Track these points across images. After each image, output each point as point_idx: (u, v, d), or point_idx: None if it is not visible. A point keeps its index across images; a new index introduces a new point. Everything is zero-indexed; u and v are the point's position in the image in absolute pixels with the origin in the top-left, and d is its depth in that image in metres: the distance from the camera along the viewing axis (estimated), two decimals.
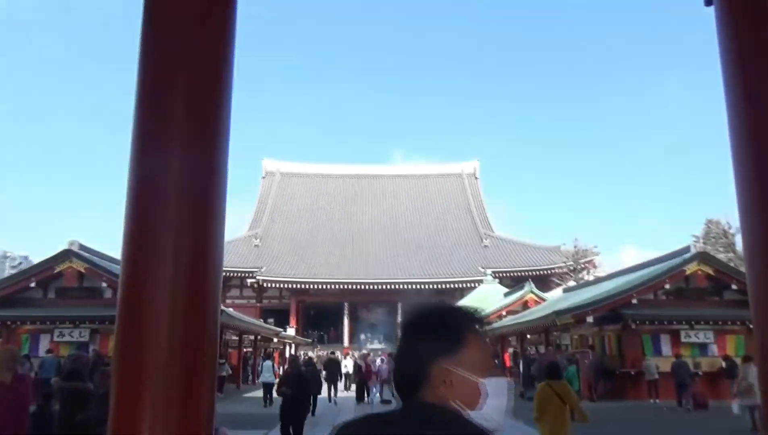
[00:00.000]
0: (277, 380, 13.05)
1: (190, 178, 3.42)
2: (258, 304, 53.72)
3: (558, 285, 46.80)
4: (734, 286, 21.66)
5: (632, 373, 21.37)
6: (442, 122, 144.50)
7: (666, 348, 21.49)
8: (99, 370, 7.69)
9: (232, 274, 52.43)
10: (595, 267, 44.23)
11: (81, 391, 7.29)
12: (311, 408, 19.01)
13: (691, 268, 21.58)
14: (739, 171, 3.76)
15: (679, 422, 16.99)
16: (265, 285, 51.02)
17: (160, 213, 3.38)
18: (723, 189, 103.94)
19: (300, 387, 11.35)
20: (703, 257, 22.06)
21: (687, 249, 22.53)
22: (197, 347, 3.37)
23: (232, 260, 53.21)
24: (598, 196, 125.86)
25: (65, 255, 21.29)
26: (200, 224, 3.52)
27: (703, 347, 21.59)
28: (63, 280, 21.64)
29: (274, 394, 21.26)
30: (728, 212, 45.56)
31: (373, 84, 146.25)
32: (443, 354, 1.41)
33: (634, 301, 21.52)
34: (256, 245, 55.99)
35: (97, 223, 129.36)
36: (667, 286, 21.87)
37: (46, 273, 21.38)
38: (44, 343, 21.35)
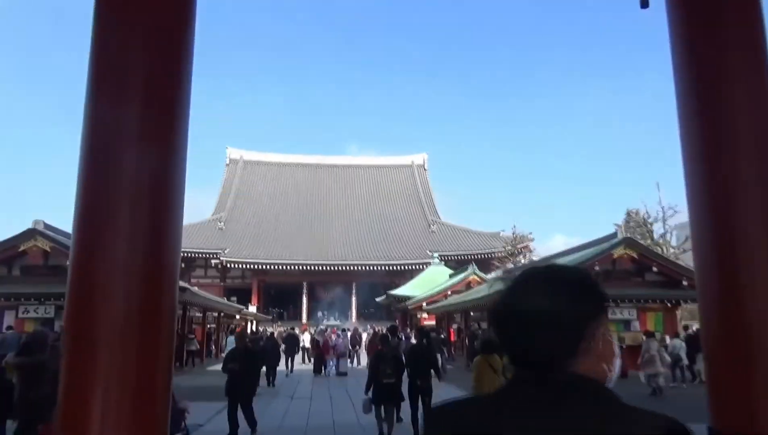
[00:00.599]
0: (223, 357, 11.75)
1: (146, 158, 3.03)
2: (222, 284, 52.74)
3: (498, 268, 47.23)
4: (655, 269, 22.08)
5: None
6: (394, 117, 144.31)
7: None
8: (50, 345, 7.04)
9: (197, 255, 51.22)
10: (530, 252, 44.77)
11: (35, 367, 6.67)
12: (271, 380, 18.53)
13: (617, 252, 21.85)
14: (689, 168, 3.54)
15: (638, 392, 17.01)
16: (228, 266, 50.07)
17: (114, 189, 2.97)
18: (642, 182, 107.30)
19: (246, 362, 9.87)
20: (628, 242, 22.36)
21: (614, 235, 22.82)
22: (153, 323, 2.97)
23: (197, 242, 51.94)
24: (532, 189, 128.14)
25: (30, 234, 20.03)
26: (157, 202, 3.11)
27: (626, 323, 21.93)
28: (28, 258, 20.37)
29: None
30: (647, 203, 47.03)
31: (330, 78, 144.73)
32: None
33: None
34: (220, 228, 54.77)
35: (62, 201, 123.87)
36: (597, 268, 22.06)
37: (10, 252, 20.06)
38: (9, 320, 20.14)
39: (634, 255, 22.04)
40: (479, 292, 29.04)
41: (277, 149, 70.95)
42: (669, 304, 22.18)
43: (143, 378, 2.79)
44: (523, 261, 43.78)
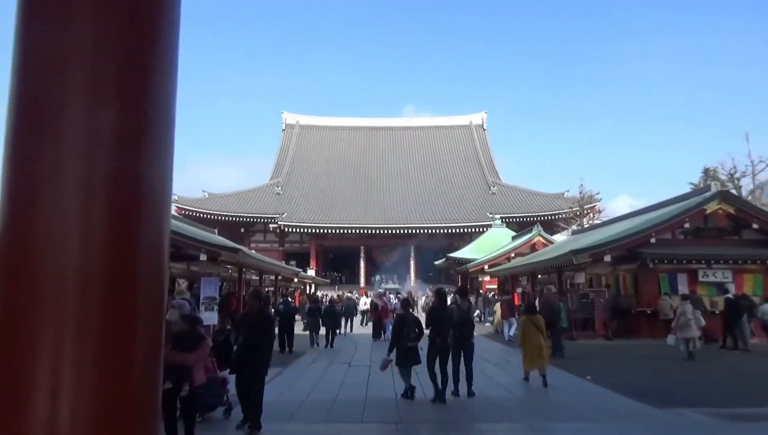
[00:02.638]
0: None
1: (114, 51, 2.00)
2: (281, 248, 52.51)
3: (563, 229, 44.63)
4: (755, 225, 19.32)
5: (648, 312, 19.30)
6: (451, 77, 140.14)
7: (683, 287, 19.30)
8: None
9: (255, 220, 51.10)
10: (599, 212, 41.80)
11: None
12: (288, 347, 16.86)
13: (711, 207, 19.18)
14: None
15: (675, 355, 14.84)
16: (286, 230, 49.57)
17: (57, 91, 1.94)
18: (718, 140, 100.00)
19: (256, 332, 7.02)
20: (724, 196, 19.60)
21: (707, 187, 20.11)
22: (122, 271, 1.93)
23: (255, 207, 51.77)
24: (596, 150, 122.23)
25: None
26: (133, 87, 2.03)
27: (720, 286, 19.39)
28: None
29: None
30: (723, 161, 42.92)
31: (385, 39, 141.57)
32: None
33: (653, 240, 19.26)
34: (277, 193, 54.23)
35: None
36: (687, 225, 19.55)
37: None
38: None
39: (731, 210, 19.34)
40: (551, 252, 26.88)
41: (333, 113, 69.52)
42: None
43: (107, 344, 1.88)
44: (590, 221, 40.96)
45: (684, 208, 19.66)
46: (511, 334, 20.38)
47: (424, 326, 9.63)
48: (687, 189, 36.02)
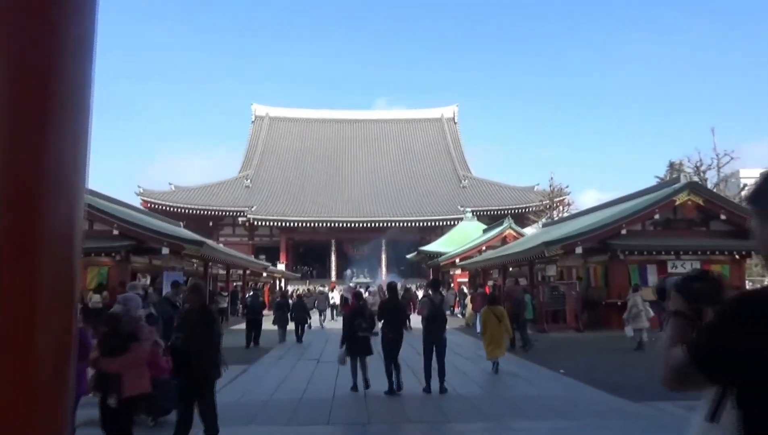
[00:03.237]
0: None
1: None
2: (250, 242, 51.41)
3: (533, 222, 44.76)
4: (723, 216, 19.40)
5: (618, 303, 19.21)
6: (422, 70, 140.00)
7: (652, 278, 19.25)
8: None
9: (224, 213, 49.91)
10: (568, 205, 41.99)
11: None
12: (255, 341, 16.36)
13: (681, 198, 19.17)
14: None
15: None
16: (256, 223, 48.50)
17: None
18: (685, 133, 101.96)
19: (198, 331, 5.69)
20: (693, 187, 19.62)
21: (676, 179, 20.12)
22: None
23: (223, 200, 50.58)
24: (565, 143, 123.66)
25: None
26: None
27: None
28: None
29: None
30: (690, 155, 43.57)
31: (357, 31, 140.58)
32: None
33: (623, 231, 19.18)
34: (247, 186, 53.09)
35: None
36: (657, 217, 19.52)
37: None
38: None
39: (700, 201, 19.36)
40: (522, 244, 26.73)
41: (303, 106, 68.43)
42: (737, 256, 19.53)
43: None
44: (560, 214, 41.10)
45: (654, 199, 19.63)
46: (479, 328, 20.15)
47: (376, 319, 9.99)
48: (654, 182, 36.42)
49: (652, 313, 15.25)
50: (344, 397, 9.08)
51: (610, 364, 12.73)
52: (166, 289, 19.01)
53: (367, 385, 9.41)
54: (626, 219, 19.20)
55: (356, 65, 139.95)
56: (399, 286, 27.22)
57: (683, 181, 19.71)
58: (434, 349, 9.41)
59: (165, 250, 18.45)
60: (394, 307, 9.92)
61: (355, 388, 9.39)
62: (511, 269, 26.74)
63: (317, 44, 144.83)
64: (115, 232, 18.26)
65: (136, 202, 42.65)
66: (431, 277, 45.10)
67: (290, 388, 10.17)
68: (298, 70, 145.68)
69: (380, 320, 9.76)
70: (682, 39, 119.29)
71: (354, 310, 10.03)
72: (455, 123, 64.97)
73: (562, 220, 31.61)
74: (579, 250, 18.83)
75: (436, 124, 65.12)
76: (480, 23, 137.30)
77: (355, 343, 9.44)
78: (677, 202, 19.25)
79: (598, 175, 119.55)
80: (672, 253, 19.17)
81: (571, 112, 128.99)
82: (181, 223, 30.32)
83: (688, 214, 19.48)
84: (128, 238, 18.30)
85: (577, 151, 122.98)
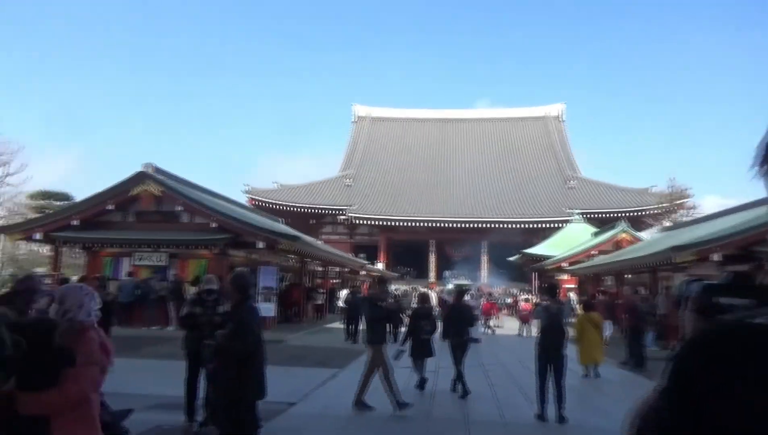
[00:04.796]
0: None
1: None
2: (349, 240, 51.33)
3: (650, 226, 40.74)
4: None
5: None
6: (526, 69, 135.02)
7: None
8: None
9: (325, 211, 50.13)
10: (692, 208, 37.65)
11: None
12: (353, 338, 16.65)
13: None
14: None
15: None
16: (355, 222, 48.23)
17: None
18: None
19: (236, 335, 4.63)
20: None
21: None
22: None
23: (325, 199, 50.82)
24: (683, 143, 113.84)
25: (140, 178, 18.47)
26: None
27: None
28: (140, 203, 18.91)
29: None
30: None
31: (458, 29, 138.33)
32: None
33: None
34: (347, 185, 53.11)
35: (167, 147, 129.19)
36: None
37: (121, 196, 18.67)
38: (125, 267, 18.98)
39: None
40: (637, 250, 23.88)
41: (404, 106, 67.65)
42: None
43: None
44: (681, 219, 36.96)
45: None
46: (607, 336, 17.86)
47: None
48: None
49: None
50: (441, 418, 7.65)
51: None
52: (262, 284, 18.62)
53: (422, 387, 9.58)
54: None
55: (457, 65, 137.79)
56: (482, 290, 25.48)
57: None
58: (550, 368, 7.73)
59: (261, 244, 17.97)
60: (460, 312, 9.95)
61: (421, 386, 9.60)
62: (628, 276, 23.96)
63: (418, 44, 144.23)
64: (213, 225, 18.04)
65: (244, 200, 43.72)
66: (536, 281, 42.52)
67: (381, 400, 8.88)
68: (399, 71, 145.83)
69: (445, 324, 9.89)
70: None
71: (417, 313, 10.11)
72: (561, 121, 61.32)
73: (687, 223, 28.05)
74: (716, 256, 16.07)
75: (540, 122, 61.84)
76: (587, 18, 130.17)
77: (417, 345, 9.49)
78: None
79: (721, 180, 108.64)
80: None
81: (689, 111, 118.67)
82: (281, 220, 30.25)
83: None
84: (226, 232, 18.01)
85: (696, 153, 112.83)
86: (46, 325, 2.84)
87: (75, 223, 18.59)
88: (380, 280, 8.94)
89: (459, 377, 9.27)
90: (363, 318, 17.15)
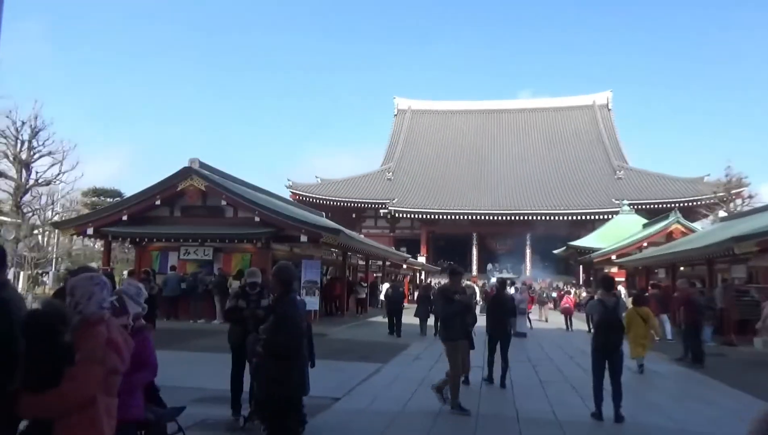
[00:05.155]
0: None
1: None
2: (391, 234, 51.29)
3: (704, 217, 39.07)
4: None
5: None
6: (570, 57, 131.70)
7: None
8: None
9: (366, 205, 50.18)
10: (750, 197, 35.86)
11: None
12: (397, 331, 16.95)
13: None
14: None
15: None
16: (397, 215, 48.09)
17: None
18: None
19: (279, 329, 4.54)
20: None
21: None
22: None
23: (366, 192, 50.85)
24: (735, 132, 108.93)
25: (186, 172, 18.71)
26: None
27: None
28: (186, 198, 19.18)
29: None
30: None
31: (498, 19, 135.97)
32: None
33: None
34: (388, 179, 52.98)
35: (214, 145, 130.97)
36: None
37: (169, 191, 18.96)
38: (173, 261, 19.31)
39: None
40: (692, 241, 22.85)
41: (445, 98, 66.97)
42: None
43: None
44: (738, 208, 35.26)
45: None
46: (669, 334, 17.05)
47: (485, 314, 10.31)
48: None
49: None
50: (490, 414, 7.36)
51: None
52: (306, 277, 18.63)
53: (466, 380, 9.18)
54: None
55: (498, 55, 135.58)
56: (527, 283, 24.75)
57: None
58: (607, 365, 7.34)
59: (303, 238, 17.97)
60: (499, 303, 10.04)
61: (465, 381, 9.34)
62: (682, 269, 22.95)
63: (458, 35, 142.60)
64: (257, 219, 18.13)
65: (287, 195, 44.13)
66: (583, 274, 41.42)
67: (426, 396, 8.66)
68: (440, 62, 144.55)
69: (488, 316, 10.03)
70: None
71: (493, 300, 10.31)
72: (609, 110, 59.51)
73: (746, 213, 26.68)
74: None
75: (587, 111, 60.16)
76: (630, 3, 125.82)
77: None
78: None
79: None
80: None
81: (741, 97, 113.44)
82: (323, 214, 30.32)
83: None
84: (269, 226, 18.08)
85: (750, 140, 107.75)
86: (49, 318, 2.57)
87: (124, 218, 19.01)
88: (453, 272, 8.07)
89: (503, 369, 9.42)
90: (429, 313, 17.09)
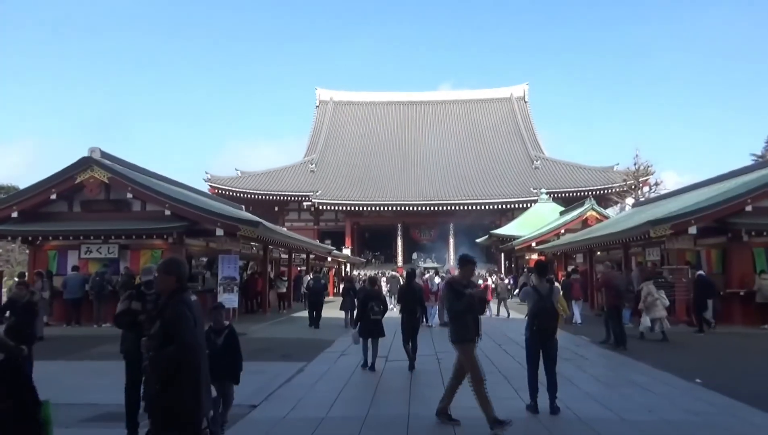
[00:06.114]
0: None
1: None
2: (315, 227, 50.26)
3: (615, 204, 40.82)
4: None
5: (741, 293, 15.95)
6: (490, 49, 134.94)
7: None
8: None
9: (289, 198, 48.87)
10: (656, 184, 37.77)
11: None
12: (315, 323, 17.16)
13: None
14: None
15: None
16: (321, 208, 47.11)
17: None
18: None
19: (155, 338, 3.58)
20: None
21: None
22: None
23: (288, 185, 49.49)
24: (642, 123, 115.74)
25: (85, 163, 16.94)
26: None
27: None
28: (86, 191, 17.38)
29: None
30: None
31: (419, 12, 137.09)
32: None
33: (749, 208, 15.81)
34: (312, 171, 51.81)
35: (114, 134, 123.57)
36: None
37: (66, 184, 17.09)
38: (73, 260, 17.51)
39: None
40: (608, 226, 23.55)
41: (367, 89, 66.36)
42: None
43: None
44: (646, 195, 37.04)
45: None
46: (578, 318, 17.44)
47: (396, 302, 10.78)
48: (749, 162, 32.03)
49: (667, 302, 14.02)
50: (420, 416, 6.77)
51: (757, 371, 9.83)
52: (223, 273, 17.44)
53: (372, 368, 9.84)
54: (753, 192, 15.79)
55: (418, 47, 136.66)
56: (451, 272, 24.85)
57: None
58: (542, 354, 6.94)
59: (219, 232, 16.76)
60: (411, 292, 10.52)
61: (365, 365, 9.94)
62: (599, 253, 23.61)
63: (380, 27, 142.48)
64: (167, 212, 16.72)
65: (206, 189, 42.00)
66: (505, 262, 42.22)
67: (353, 398, 7.98)
68: (362, 54, 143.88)
69: (399, 304, 10.46)
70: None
71: (367, 295, 10.53)
72: (525, 102, 61.16)
73: (655, 199, 27.92)
74: (693, 229, 15.65)
75: (505, 103, 61.53)
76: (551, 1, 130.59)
77: (367, 325, 9.93)
78: None
79: (677, 157, 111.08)
80: None
81: (648, 90, 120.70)
82: (243, 207, 28.90)
83: None
84: (181, 219, 16.72)
85: (653, 132, 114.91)
86: None
87: (14, 214, 17.01)
88: (465, 261, 6.76)
89: (412, 352, 9.97)
90: (354, 305, 16.34)
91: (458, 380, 6.41)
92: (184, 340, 3.31)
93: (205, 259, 20.68)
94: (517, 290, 31.72)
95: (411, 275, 11.25)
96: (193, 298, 3.68)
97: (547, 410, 6.77)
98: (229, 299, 16.39)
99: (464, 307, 6.30)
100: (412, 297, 10.45)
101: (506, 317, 20.11)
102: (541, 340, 6.91)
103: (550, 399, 6.83)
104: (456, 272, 26.42)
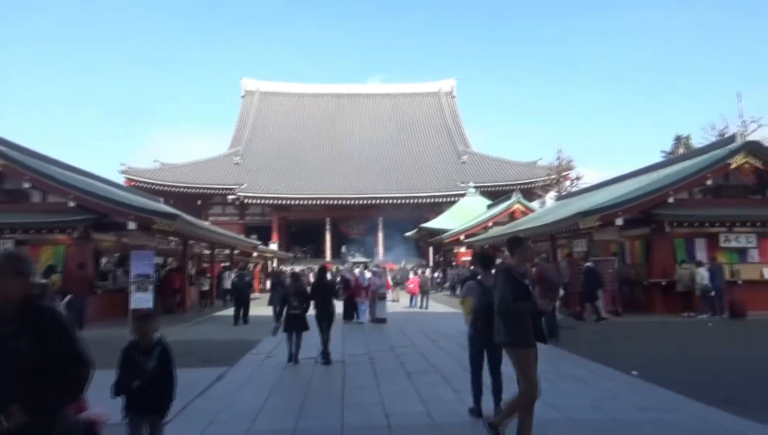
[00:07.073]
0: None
1: None
2: (241, 221, 48.36)
3: (540, 197, 41.81)
4: None
5: (662, 283, 16.34)
6: (417, 45, 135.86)
7: (701, 254, 16.42)
8: None
9: (213, 191, 46.73)
10: (577, 179, 38.98)
11: None
12: (244, 319, 16.02)
13: (737, 161, 16.18)
14: None
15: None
16: (246, 202, 45.34)
17: None
18: (688, 107, 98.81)
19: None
20: (751, 147, 16.51)
21: (731, 138, 17.08)
22: None
23: (212, 178, 47.28)
24: (563, 120, 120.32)
25: None
26: None
27: (742, 252, 16.55)
28: None
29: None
30: (692, 129, 40.46)
31: (349, 4, 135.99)
32: None
33: (671, 199, 16.20)
34: (236, 163, 49.79)
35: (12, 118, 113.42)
36: (709, 183, 16.51)
37: None
38: None
39: (759, 165, 16.33)
40: (535, 218, 23.77)
41: (295, 80, 64.69)
42: None
43: None
44: (568, 189, 38.12)
45: (707, 162, 16.57)
46: None
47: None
48: (660, 158, 33.65)
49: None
50: (356, 427, 6.05)
51: (686, 360, 9.83)
52: (136, 271, 15.94)
53: (295, 360, 10.13)
54: (674, 185, 16.20)
55: (349, 41, 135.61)
56: (381, 266, 24.78)
57: (739, 140, 16.65)
58: (486, 355, 6.39)
59: (132, 225, 15.27)
60: (323, 288, 10.88)
61: (290, 359, 10.16)
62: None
63: (308, 18, 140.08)
64: (72, 204, 15.06)
65: (122, 182, 39.21)
66: (434, 255, 42.25)
67: (279, 407, 7.14)
68: (289, 45, 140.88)
69: (312, 300, 10.59)
70: (690, 9, 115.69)
71: (287, 290, 10.93)
72: (453, 97, 61.65)
73: (578, 193, 28.58)
74: (620, 221, 15.85)
75: (433, 98, 61.77)
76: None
77: (289, 321, 10.22)
78: (733, 165, 16.23)
79: (594, 153, 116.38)
80: (726, 224, 16.24)
81: (568, 89, 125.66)
82: (161, 200, 27.02)
83: (743, 179, 16.50)
84: (88, 212, 15.11)
85: (572, 128, 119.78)
86: None
87: None
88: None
89: (324, 346, 10.19)
90: (283, 300, 15.34)
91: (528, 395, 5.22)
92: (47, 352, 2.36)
93: (117, 256, 18.98)
94: (447, 283, 31.62)
95: (322, 270, 11.56)
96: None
97: (491, 414, 6.23)
98: (143, 299, 14.98)
99: (526, 301, 5.02)
100: (324, 291, 10.76)
101: (425, 308, 21.38)
102: (484, 339, 6.35)
103: (495, 401, 6.30)
104: (386, 267, 25.54)
